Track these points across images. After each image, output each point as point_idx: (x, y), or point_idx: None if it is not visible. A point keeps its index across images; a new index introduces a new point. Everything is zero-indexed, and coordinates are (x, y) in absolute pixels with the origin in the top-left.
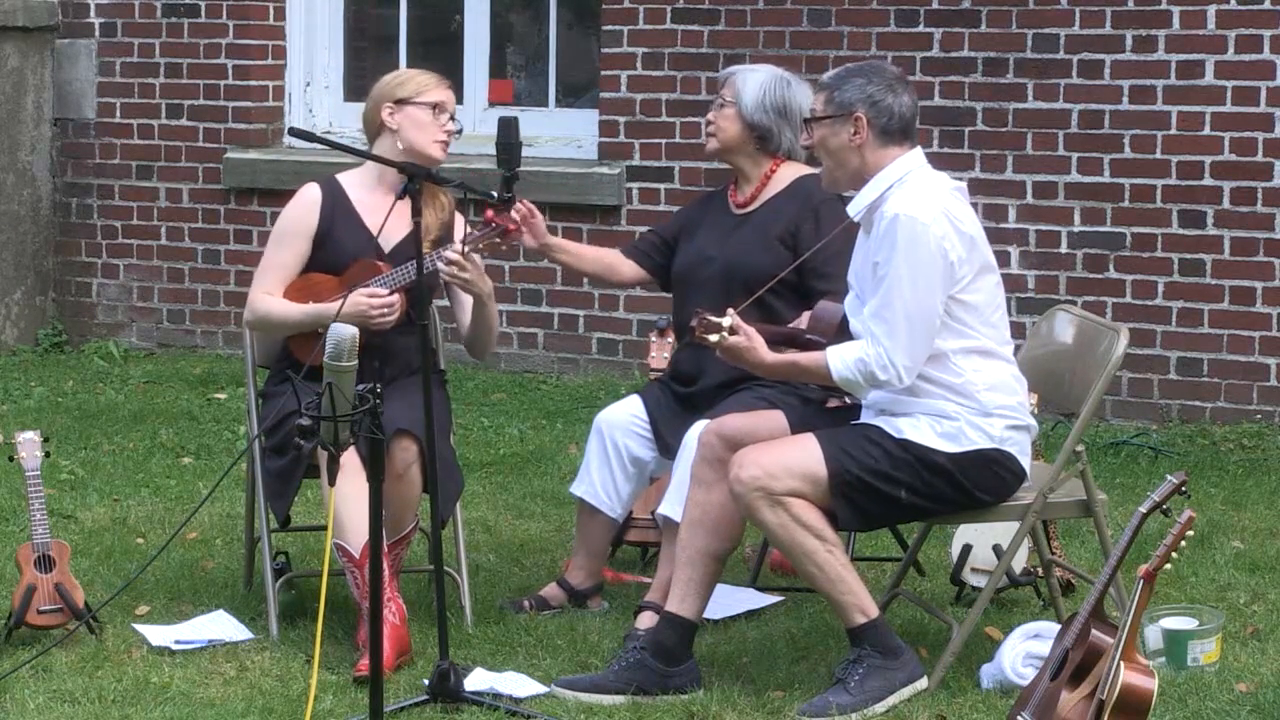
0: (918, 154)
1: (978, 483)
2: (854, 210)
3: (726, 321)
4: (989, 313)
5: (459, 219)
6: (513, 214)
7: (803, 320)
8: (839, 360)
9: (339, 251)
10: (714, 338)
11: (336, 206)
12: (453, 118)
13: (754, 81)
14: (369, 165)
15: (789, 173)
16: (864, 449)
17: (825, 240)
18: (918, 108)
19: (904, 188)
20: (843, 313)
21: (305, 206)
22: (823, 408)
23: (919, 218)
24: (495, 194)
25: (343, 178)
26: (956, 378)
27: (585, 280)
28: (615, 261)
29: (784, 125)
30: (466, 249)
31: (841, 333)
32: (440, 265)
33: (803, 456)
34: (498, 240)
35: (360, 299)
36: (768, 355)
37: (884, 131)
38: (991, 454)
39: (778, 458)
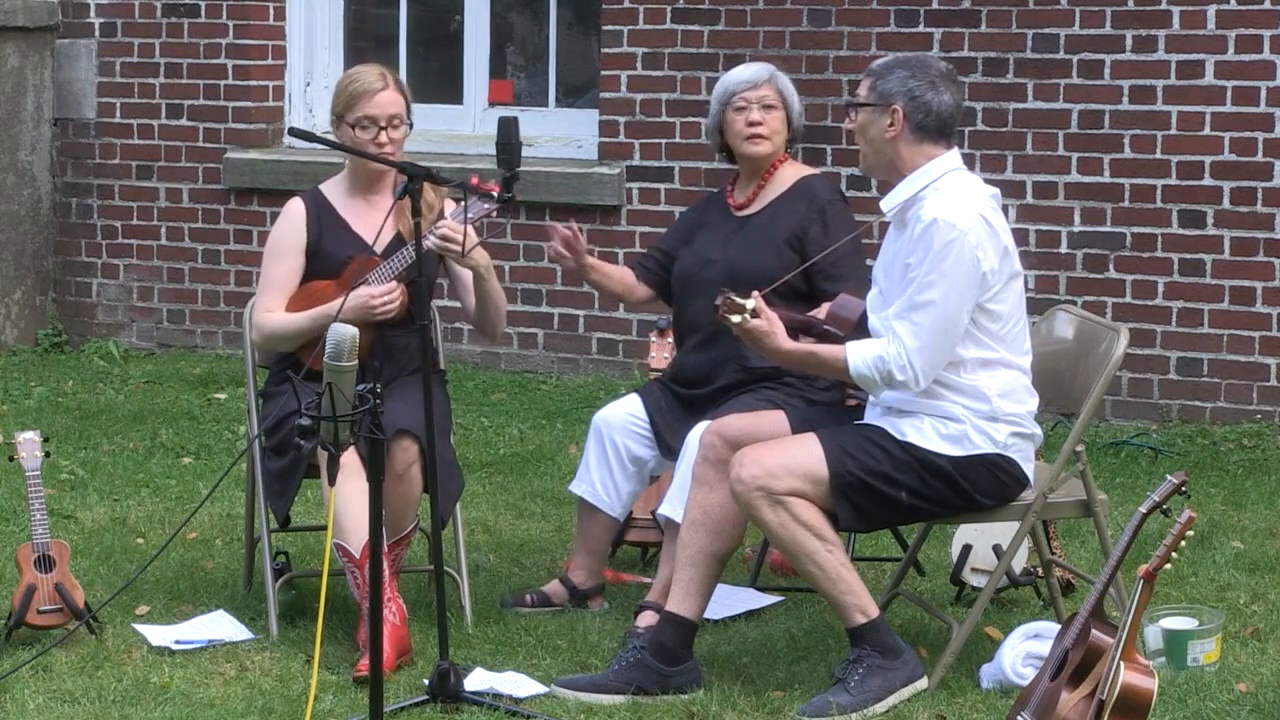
0: (955, 155)
1: (979, 486)
2: (887, 207)
3: (750, 303)
4: (1011, 323)
5: (449, 205)
6: (556, 242)
7: (821, 310)
8: (858, 356)
9: (332, 260)
10: (736, 319)
11: (323, 217)
12: (391, 124)
13: (790, 86)
14: (349, 170)
15: (790, 173)
16: (866, 450)
17: (835, 248)
18: (960, 108)
19: (941, 190)
20: (863, 308)
21: (293, 222)
22: (826, 409)
23: (956, 224)
24: (495, 194)
25: (325, 187)
26: (970, 383)
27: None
28: (633, 282)
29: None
30: (463, 223)
31: (860, 328)
32: (433, 240)
33: (804, 456)
34: (491, 210)
35: (361, 292)
36: (786, 342)
37: (920, 127)
38: (994, 459)
39: (779, 457)
